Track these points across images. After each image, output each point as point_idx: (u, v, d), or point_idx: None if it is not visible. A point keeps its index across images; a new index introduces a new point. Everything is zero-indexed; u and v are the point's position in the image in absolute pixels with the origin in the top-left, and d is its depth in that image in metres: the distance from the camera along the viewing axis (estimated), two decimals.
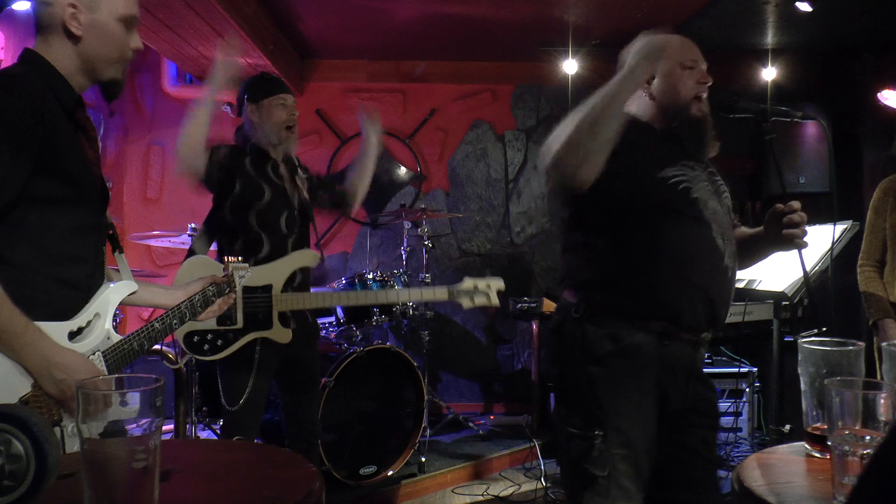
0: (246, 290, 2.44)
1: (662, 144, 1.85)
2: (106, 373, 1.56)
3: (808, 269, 2.61)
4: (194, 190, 2.58)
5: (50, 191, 1.47)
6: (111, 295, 1.63)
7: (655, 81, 1.89)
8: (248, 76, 2.77)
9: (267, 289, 2.51)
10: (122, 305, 1.70)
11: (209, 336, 2.47)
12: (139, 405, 0.92)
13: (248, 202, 2.57)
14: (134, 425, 0.93)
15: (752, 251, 1.97)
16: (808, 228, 1.82)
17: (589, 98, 1.70)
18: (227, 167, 2.56)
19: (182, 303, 1.81)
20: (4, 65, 3.45)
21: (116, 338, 1.61)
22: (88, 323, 1.56)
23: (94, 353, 1.55)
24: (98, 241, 1.62)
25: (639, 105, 1.92)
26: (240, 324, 2.44)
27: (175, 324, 1.78)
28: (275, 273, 2.54)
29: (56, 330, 1.48)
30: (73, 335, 1.52)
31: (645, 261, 1.76)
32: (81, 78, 1.55)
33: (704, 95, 1.88)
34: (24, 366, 1.40)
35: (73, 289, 1.55)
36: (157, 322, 1.73)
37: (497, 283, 2.71)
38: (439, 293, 2.68)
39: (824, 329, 1.99)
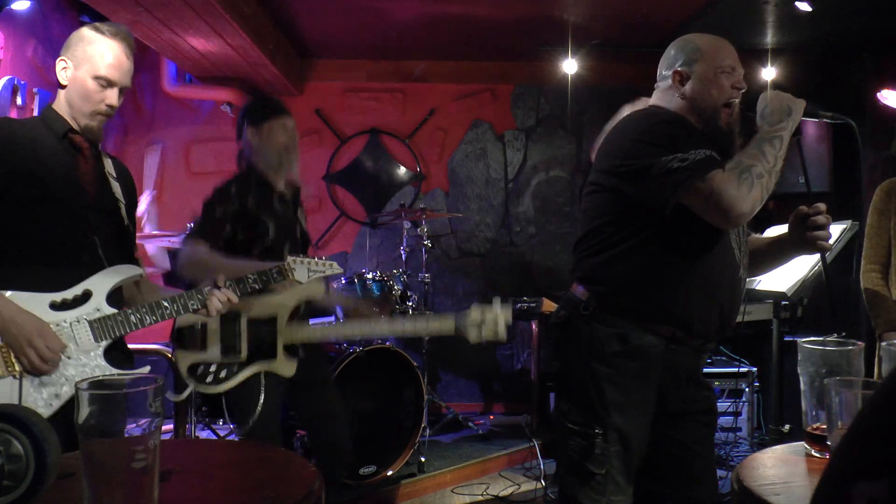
0: (251, 322, 2.42)
1: (705, 144, 1.78)
2: (89, 336, 1.75)
3: (811, 270, 2.61)
4: None
5: (29, 192, 1.75)
6: (106, 276, 1.83)
7: (690, 82, 1.83)
8: (248, 100, 2.75)
9: (272, 321, 2.46)
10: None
11: (212, 368, 2.42)
12: (139, 405, 0.92)
13: (253, 243, 2.53)
14: (133, 425, 0.93)
15: (773, 256, 1.96)
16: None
17: (757, 157, 1.69)
18: (233, 218, 2.52)
19: (205, 287, 1.93)
20: (4, 64, 3.46)
21: (109, 311, 1.80)
22: (75, 297, 1.77)
23: (77, 321, 1.76)
24: (86, 232, 1.84)
25: (669, 103, 1.87)
26: (244, 355, 2.41)
27: (192, 305, 1.90)
28: (280, 304, 2.49)
29: (36, 299, 1.72)
30: (56, 306, 1.75)
31: (668, 267, 1.76)
32: (69, 119, 1.87)
33: (736, 101, 1.83)
34: None
35: (57, 271, 1.78)
36: (167, 301, 1.87)
37: (506, 315, 2.49)
38: (445, 326, 2.58)
39: (843, 334, 1.96)
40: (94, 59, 1.83)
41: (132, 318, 1.83)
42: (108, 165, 1.98)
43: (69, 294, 1.77)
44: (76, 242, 1.83)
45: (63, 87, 1.87)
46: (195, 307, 1.91)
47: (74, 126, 1.87)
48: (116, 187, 1.96)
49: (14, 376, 1.66)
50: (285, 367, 2.49)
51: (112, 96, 1.86)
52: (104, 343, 1.78)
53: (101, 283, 1.81)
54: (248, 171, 2.63)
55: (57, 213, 1.80)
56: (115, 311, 1.81)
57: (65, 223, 1.82)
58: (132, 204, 2.04)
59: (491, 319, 2.49)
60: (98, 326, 1.78)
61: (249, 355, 2.42)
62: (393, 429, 3.68)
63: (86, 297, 1.79)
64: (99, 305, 1.80)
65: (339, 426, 2.76)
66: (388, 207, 5.17)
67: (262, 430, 2.49)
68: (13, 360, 1.66)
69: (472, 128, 5.29)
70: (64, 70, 1.86)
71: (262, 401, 2.48)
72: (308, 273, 2.21)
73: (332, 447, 2.72)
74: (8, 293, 1.70)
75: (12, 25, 3.57)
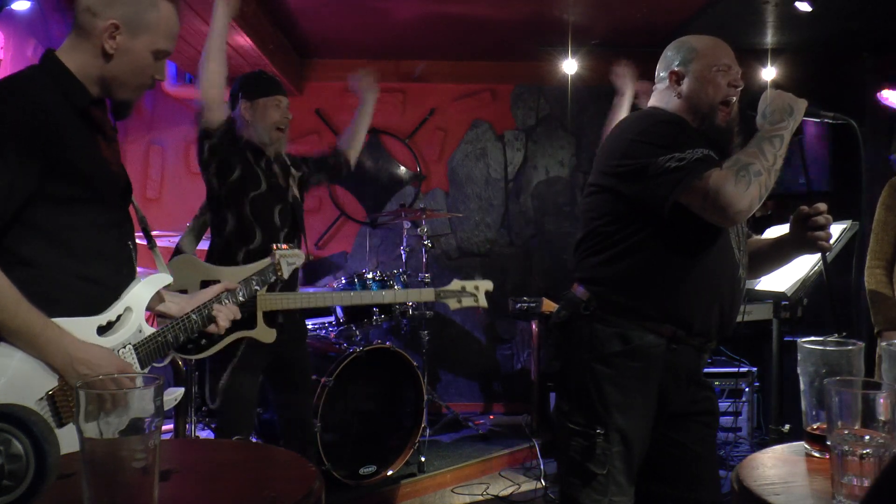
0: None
1: (703, 144, 1.77)
2: (136, 366, 1.57)
3: (811, 270, 2.61)
4: (209, 102, 2.53)
5: (64, 189, 1.47)
6: (142, 289, 1.62)
7: (686, 81, 1.84)
8: (245, 73, 2.77)
9: None
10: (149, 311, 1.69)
11: (194, 335, 2.47)
12: (139, 404, 0.92)
13: (244, 188, 2.56)
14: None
15: (773, 257, 1.96)
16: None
17: (756, 156, 1.68)
18: (231, 146, 2.55)
19: (222, 294, 1.86)
20: (4, 64, 3.45)
21: (149, 331, 1.61)
22: (119, 317, 1.56)
23: (124, 347, 1.55)
24: (120, 236, 1.61)
25: (667, 103, 1.87)
26: None
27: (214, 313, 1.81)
28: None
29: (83, 325, 1.48)
30: (102, 329, 1.53)
31: (668, 266, 1.76)
32: (96, 88, 1.56)
33: (734, 100, 1.83)
34: (47, 363, 1.40)
35: (98, 285, 1.54)
36: (195, 313, 1.76)
37: (485, 285, 2.70)
38: (425, 294, 2.68)
39: (843, 334, 1.96)
40: (156, 29, 1.54)
41: (168, 336, 1.66)
42: None
43: (112, 314, 1.54)
44: (117, 251, 1.59)
45: (107, 56, 1.51)
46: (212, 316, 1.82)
47: (91, 92, 1.55)
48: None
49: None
50: (265, 334, 2.52)
51: (162, 69, 1.60)
52: (148, 369, 1.60)
53: (139, 298, 1.60)
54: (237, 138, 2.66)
55: (97, 217, 1.53)
56: (152, 330, 1.62)
57: (104, 228, 1.56)
58: None
59: (471, 288, 2.65)
60: (143, 351, 1.59)
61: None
62: (393, 429, 3.68)
63: (127, 315, 1.57)
64: (141, 325, 1.59)
65: (308, 423, 2.85)
66: (388, 207, 5.17)
67: (231, 407, 2.53)
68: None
69: (472, 128, 5.29)
70: (111, 37, 1.50)
71: (231, 366, 2.51)
72: (287, 266, 2.28)
73: (301, 434, 2.79)
74: (56, 321, 1.42)
75: (12, 25, 3.57)
